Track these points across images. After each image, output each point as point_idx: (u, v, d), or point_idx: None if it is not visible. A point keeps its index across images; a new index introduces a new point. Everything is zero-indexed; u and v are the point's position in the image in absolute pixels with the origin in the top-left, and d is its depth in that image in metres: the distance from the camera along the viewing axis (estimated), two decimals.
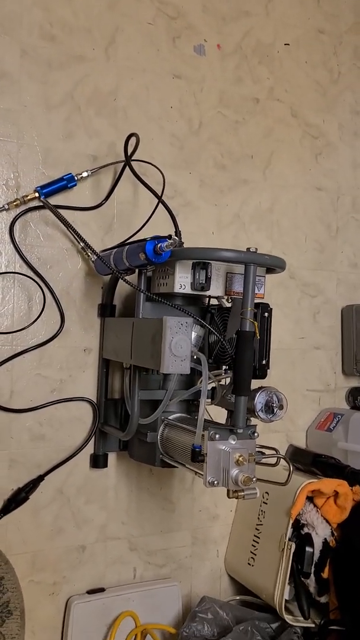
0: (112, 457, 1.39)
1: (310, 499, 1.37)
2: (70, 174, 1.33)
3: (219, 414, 1.16)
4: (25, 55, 1.32)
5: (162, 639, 1.33)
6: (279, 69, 1.66)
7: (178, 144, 1.50)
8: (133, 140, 1.32)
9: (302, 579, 1.33)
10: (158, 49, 1.48)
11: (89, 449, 1.36)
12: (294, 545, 1.31)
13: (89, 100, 1.39)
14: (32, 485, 1.28)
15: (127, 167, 1.36)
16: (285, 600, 1.31)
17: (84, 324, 1.36)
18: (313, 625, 1.32)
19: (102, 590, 1.36)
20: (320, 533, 1.34)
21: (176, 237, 1.00)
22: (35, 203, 1.31)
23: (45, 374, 1.32)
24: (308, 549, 1.32)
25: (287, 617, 1.30)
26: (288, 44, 1.68)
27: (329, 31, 1.75)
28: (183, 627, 1.29)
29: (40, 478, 1.30)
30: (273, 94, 1.65)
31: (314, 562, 1.33)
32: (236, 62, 1.60)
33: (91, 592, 1.35)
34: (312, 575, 1.32)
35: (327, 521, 1.36)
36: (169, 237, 1.01)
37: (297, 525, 1.36)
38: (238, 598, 1.50)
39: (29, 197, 1.29)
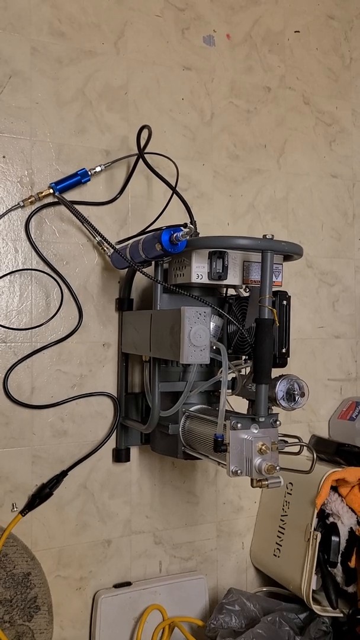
0: (134, 451, 1.39)
1: (334, 488, 1.36)
2: (83, 169, 1.33)
3: (240, 406, 1.15)
4: (35, 53, 1.32)
5: (190, 632, 1.33)
6: (289, 57, 1.65)
7: (190, 136, 1.50)
8: (145, 133, 1.32)
9: (329, 568, 1.32)
10: (167, 41, 1.48)
11: (111, 443, 1.37)
12: (319, 535, 1.29)
13: (100, 95, 1.39)
14: (56, 480, 1.29)
15: (140, 160, 1.35)
16: (313, 590, 1.30)
17: (102, 318, 1.37)
18: (341, 615, 1.31)
19: (128, 584, 1.36)
20: (346, 522, 1.33)
21: (191, 226, 1.00)
22: (50, 199, 1.31)
23: (65, 370, 1.33)
24: (334, 538, 1.31)
25: (315, 607, 1.29)
26: (298, 31, 1.67)
27: (339, 16, 1.73)
28: (210, 619, 1.29)
29: (64, 473, 1.30)
30: (284, 82, 1.64)
31: (340, 552, 1.31)
32: (246, 51, 1.59)
33: (118, 586, 1.35)
34: (338, 564, 1.31)
35: (353, 510, 1.35)
36: (184, 225, 1.00)
37: (322, 515, 1.35)
38: (265, 589, 1.49)
39: (43, 194, 1.30)
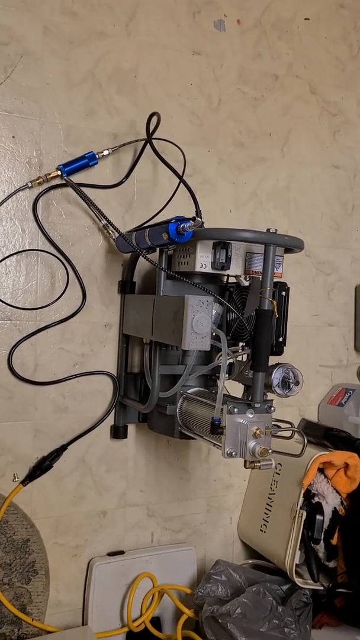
0: (131, 429, 1.45)
1: (321, 470, 1.43)
2: (91, 152, 1.35)
3: (235, 388, 1.20)
4: (47, 32, 1.33)
5: (178, 599, 1.41)
6: (298, 45, 1.66)
7: (197, 122, 1.51)
8: (154, 118, 1.34)
9: (312, 544, 1.39)
10: (178, 25, 1.48)
11: (110, 420, 1.42)
12: (305, 513, 1.37)
13: (109, 78, 1.40)
14: (56, 454, 1.34)
15: (147, 145, 1.37)
16: (296, 564, 1.37)
17: (104, 300, 1.40)
18: (322, 588, 1.39)
19: (121, 552, 1.43)
20: (331, 502, 1.40)
21: (199, 219, 1.03)
22: (58, 181, 1.34)
23: (68, 348, 1.37)
24: (318, 517, 1.38)
25: (298, 580, 1.36)
26: (308, 19, 1.67)
27: (350, 5, 1.73)
28: (198, 587, 1.37)
29: (64, 447, 1.36)
30: (292, 70, 1.65)
31: (323, 529, 1.39)
32: (256, 37, 1.59)
33: (111, 554, 1.42)
34: (321, 541, 1.39)
35: (337, 491, 1.42)
36: (192, 218, 1.04)
37: (308, 494, 1.42)
38: (250, 562, 1.57)
39: (51, 175, 1.32)
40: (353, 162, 1.75)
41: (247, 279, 1.21)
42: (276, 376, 1.10)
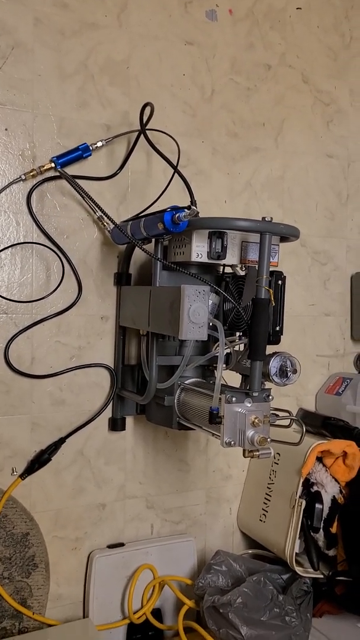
0: (129, 421, 1.45)
1: (319, 459, 1.43)
2: (85, 143, 1.34)
3: (232, 379, 1.20)
4: (38, 24, 1.32)
5: (179, 590, 1.41)
6: (290, 34, 1.65)
7: (191, 112, 1.51)
8: (147, 109, 1.33)
9: (312, 533, 1.39)
10: (170, 15, 1.48)
11: (108, 412, 1.42)
12: (304, 502, 1.37)
13: (102, 69, 1.39)
14: (54, 447, 1.34)
15: (141, 136, 1.37)
16: (296, 553, 1.38)
17: (100, 292, 1.40)
18: (322, 576, 1.40)
19: (121, 545, 1.43)
20: (329, 491, 1.40)
21: (194, 208, 1.03)
22: (51, 173, 1.33)
23: (65, 341, 1.37)
24: (317, 505, 1.38)
25: (298, 569, 1.37)
26: (300, 8, 1.66)
27: None
28: (199, 578, 1.37)
29: (62, 440, 1.35)
30: (285, 60, 1.64)
31: (323, 518, 1.39)
32: (248, 27, 1.59)
33: (111, 546, 1.42)
34: (321, 530, 1.39)
35: (336, 480, 1.42)
36: (188, 207, 1.03)
37: (307, 483, 1.42)
38: (250, 552, 1.58)
39: (45, 168, 1.31)
40: (346, 151, 1.75)
41: (243, 268, 1.21)
42: (274, 365, 1.10)
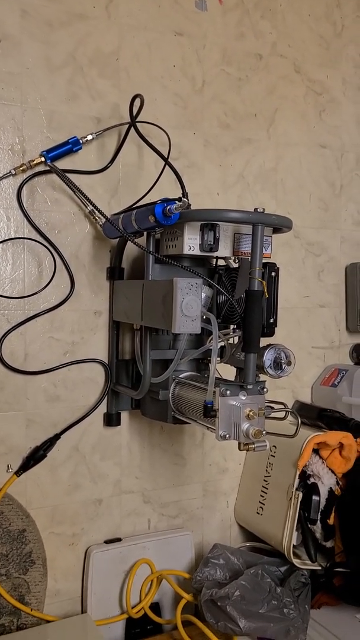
0: (124, 416, 1.44)
1: (316, 451, 1.43)
2: (75, 137, 1.33)
3: (227, 372, 1.19)
4: (25, 15, 1.30)
5: (177, 583, 1.41)
6: (281, 23, 1.64)
7: (182, 104, 1.49)
8: (137, 101, 1.32)
9: (309, 525, 1.39)
10: (159, 5, 1.46)
11: (102, 408, 1.41)
12: (301, 495, 1.37)
13: (91, 61, 1.37)
14: (49, 443, 1.33)
15: (132, 129, 1.35)
16: (293, 545, 1.38)
17: (93, 287, 1.39)
18: (319, 568, 1.40)
19: (119, 540, 1.43)
20: (326, 482, 1.40)
21: (185, 200, 1.02)
22: (42, 168, 1.32)
23: (58, 337, 1.36)
24: (314, 497, 1.38)
25: (295, 561, 1.37)
26: None
27: None
28: (197, 572, 1.37)
29: (57, 437, 1.35)
30: (276, 50, 1.63)
31: (320, 510, 1.39)
32: (238, 16, 1.57)
33: (109, 542, 1.42)
34: (318, 521, 1.39)
35: (333, 471, 1.42)
36: (179, 199, 1.02)
37: (304, 476, 1.42)
38: (248, 545, 1.58)
39: (35, 162, 1.30)
40: (340, 141, 1.74)
41: (236, 260, 1.20)
42: (268, 357, 1.09)
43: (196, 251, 1.12)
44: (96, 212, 1.33)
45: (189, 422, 1.19)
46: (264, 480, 1.49)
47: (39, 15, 1.31)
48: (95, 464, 1.41)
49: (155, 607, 1.43)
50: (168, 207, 1.03)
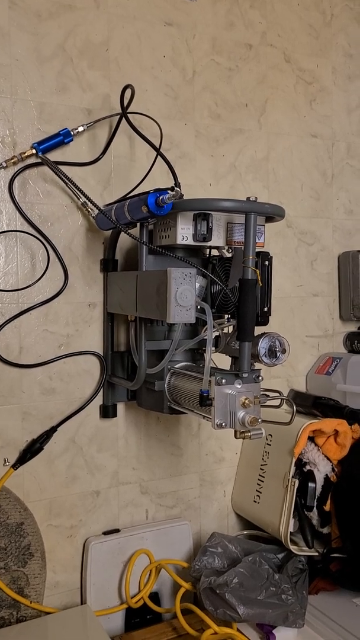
0: (120, 407, 1.45)
1: (311, 438, 1.44)
2: (66, 129, 1.33)
3: (222, 361, 1.20)
4: (13, 6, 1.29)
5: (176, 572, 1.42)
6: (271, 13, 1.63)
7: (172, 94, 1.49)
8: (128, 92, 1.31)
9: (306, 512, 1.41)
10: None
11: (98, 400, 1.41)
12: (297, 482, 1.38)
13: (80, 52, 1.37)
14: (46, 436, 1.34)
15: (123, 120, 1.35)
16: (290, 532, 1.39)
17: (87, 279, 1.39)
18: (316, 554, 1.41)
19: (117, 531, 1.43)
20: (322, 469, 1.41)
21: (178, 189, 1.02)
22: (33, 160, 1.31)
23: (52, 330, 1.36)
24: (310, 484, 1.39)
25: (293, 548, 1.38)
26: None
27: None
28: (195, 560, 1.38)
29: (53, 429, 1.35)
30: (266, 39, 1.63)
31: (316, 497, 1.40)
32: (228, 6, 1.57)
33: (107, 533, 1.42)
34: (314, 508, 1.40)
35: (328, 458, 1.43)
36: (171, 189, 1.02)
37: (300, 463, 1.43)
38: (245, 533, 1.59)
39: (26, 154, 1.29)
40: (330, 130, 1.74)
41: (230, 250, 1.20)
42: (262, 345, 1.09)
43: (189, 241, 1.12)
44: (89, 203, 1.33)
45: (185, 412, 1.19)
46: (261, 469, 1.50)
47: (27, 6, 1.30)
48: (92, 456, 1.42)
49: (155, 597, 1.44)
50: (161, 197, 1.03)
